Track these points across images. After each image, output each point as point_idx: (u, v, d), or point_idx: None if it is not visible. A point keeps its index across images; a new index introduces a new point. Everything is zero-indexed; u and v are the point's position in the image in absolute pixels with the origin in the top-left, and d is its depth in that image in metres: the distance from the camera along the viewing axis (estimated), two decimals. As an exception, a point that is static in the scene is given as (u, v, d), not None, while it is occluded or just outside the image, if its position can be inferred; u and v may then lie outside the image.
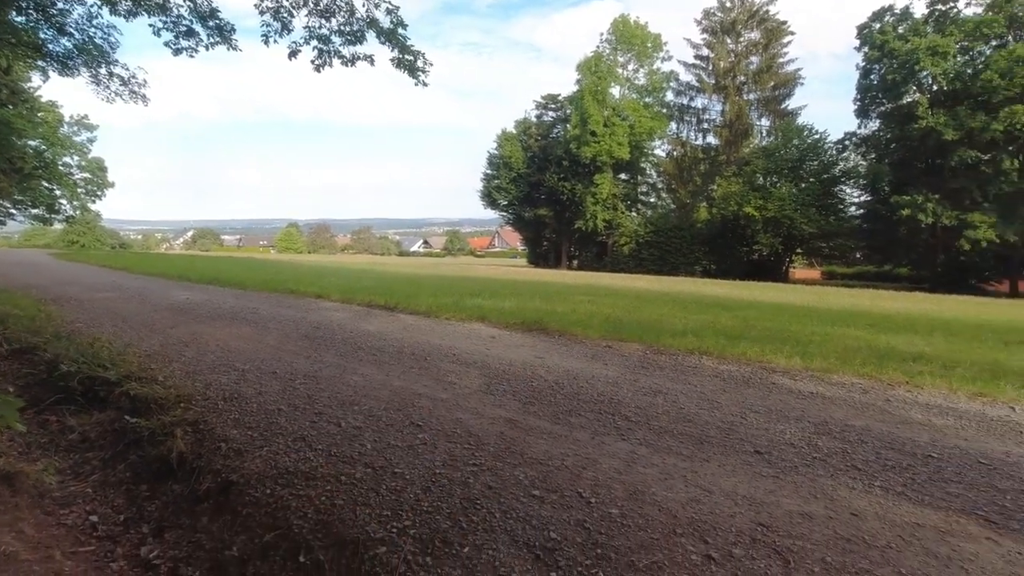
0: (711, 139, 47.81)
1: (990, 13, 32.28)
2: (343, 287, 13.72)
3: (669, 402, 4.67)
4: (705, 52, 46.35)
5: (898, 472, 3.38)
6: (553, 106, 51.51)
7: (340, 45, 9.72)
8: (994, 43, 32.67)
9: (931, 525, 2.76)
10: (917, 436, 4.00)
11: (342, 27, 9.56)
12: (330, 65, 9.86)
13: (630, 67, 47.17)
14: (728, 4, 45.23)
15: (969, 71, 32.75)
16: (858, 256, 45.11)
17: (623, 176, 48.37)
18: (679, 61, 48.29)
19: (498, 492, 3.06)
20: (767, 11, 44.36)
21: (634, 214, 48.65)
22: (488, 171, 52.24)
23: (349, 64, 9.89)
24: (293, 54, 9.22)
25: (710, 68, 46.25)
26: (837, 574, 2.34)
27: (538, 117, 52.42)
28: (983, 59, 32.58)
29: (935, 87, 33.85)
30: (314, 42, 9.56)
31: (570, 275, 32.25)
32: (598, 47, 46.79)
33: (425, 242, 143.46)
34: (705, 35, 46.27)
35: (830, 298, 19.82)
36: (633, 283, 23.60)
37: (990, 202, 31.84)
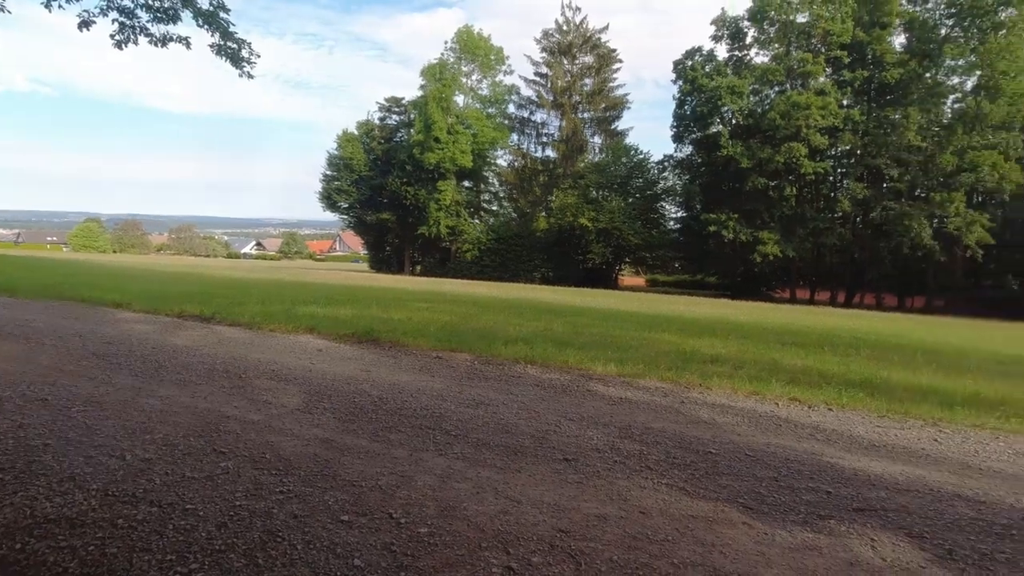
0: (550, 152, 50.49)
1: (774, 63, 38.05)
2: (151, 294, 12.23)
3: (490, 414, 4.80)
4: (544, 70, 48.90)
5: (683, 469, 3.80)
6: (397, 109, 50.90)
7: (148, 22, 8.70)
8: (776, 88, 38.56)
9: (703, 516, 3.13)
10: (703, 434, 4.55)
11: (150, 1, 8.57)
12: (134, 43, 8.79)
13: (474, 77, 48.26)
14: (565, 28, 48.16)
15: (759, 110, 38.27)
16: (676, 266, 50.20)
17: (467, 184, 49.23)
18: (520, 76, 50.50)
19: (304, 520, 2.91)
20: (599, 38, 48.01)
21: (477, 221, 49.71)
22: (328, 172, 50.12)
23: (160, 44, 8.89)
24: (85, 24, 8.07)
25: (549, 85, 48.85)
26: (621, 571, 2.56)
27: (381, 119, 51.45)
28: (769, 101, 38.30)
29: (734, 121, 39.05)
30: (114, 14, 8.45)
31: (412, 281, 32.00)
32: (443, 54, 47.25)
33: (258, 244, 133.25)
34: (544, 54, 48.85)
35: (652, 304, 21.77)
36: (474, 289, 24.03)
37: (775, 222, 37.44)
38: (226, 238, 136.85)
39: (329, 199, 49.85)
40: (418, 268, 50.48)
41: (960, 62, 35.20)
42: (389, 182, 46.70)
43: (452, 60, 47.03)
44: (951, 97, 36.54)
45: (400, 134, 50.42)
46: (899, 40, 37.09)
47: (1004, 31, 32.88)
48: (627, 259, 46.76)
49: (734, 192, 38.66)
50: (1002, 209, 33.78)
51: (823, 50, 36.59)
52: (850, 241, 37.12)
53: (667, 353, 8.08)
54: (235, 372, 5.80)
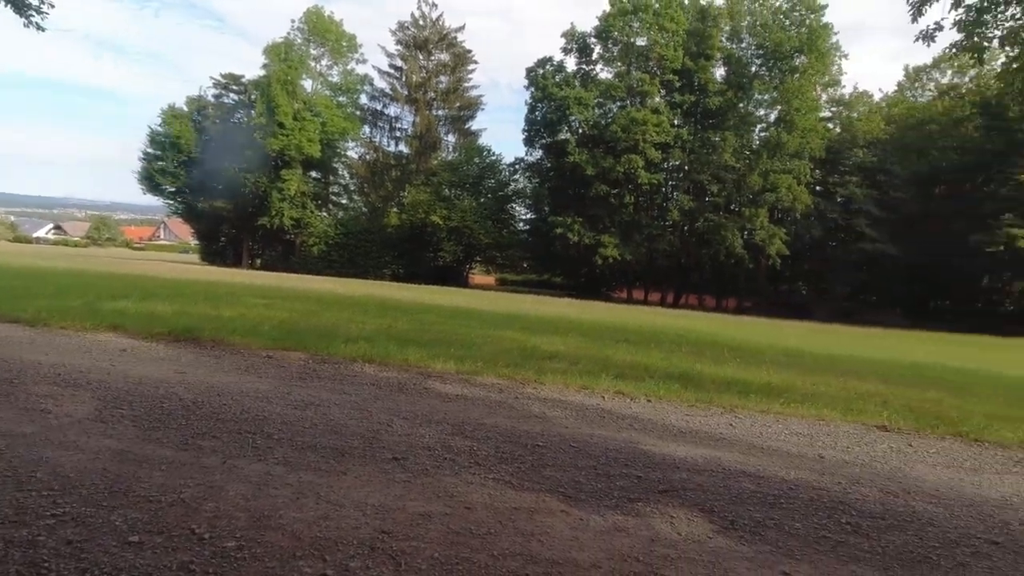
0: (403, 147, 49.72)
1: (616, 80, 41.00)
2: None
3: (319, 415, 4.55)
4: (399, 63, 48.02)
5: (510, 463, 3.87)
6: (236, 88, 46.85)
7: None
8: (619, 104, 41.59)
9: (525, 507, 3.21)
10: (532, 428, 4.69)
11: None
12: None
13: (324, 62, 45.96)
14: (421, 22, 47.70)
15: (603, 122, 41.00)
16: (525, 265, 52.00)
17: (314, 174, 46.74)
18: (374, 67, 48.95)
19: (80, 547, 2.50)
20: (455, 37, 48.24)
21: (324, 214, 47.44)
22: (151, 150, 44.64)
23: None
24: None
25: (403, 79, 48.06)
26: (442, 567, 2.54)
27: (217, 97, 47.11)
28: (612, 115, 41.19)
29: (581, 130, 41.44)
30: None
31: (251, 275, 29.62)
32: (290, 34, 44.36)
33: (57, 227, 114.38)
34: (400, 47, 47.97)
35: (500, 303, 22.26)
36: (319, 285, 22.87)
37: (615, 227, 40.33)
38: (12, 219, 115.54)
39: (151, 181, 44.42)
40: (258, 262, 46.91)
41: (766, 97, 40.75)
42: (225, 167, 42.72)
43: (300, 41, 44.33)
44: (759, 126, 42.21)
45: (239, 115, 46.43)
46: (720, 72, 41.87)
47: (798, 75, 38.58)
48: (478, 258, 47.51)
49: (579, 197, 40.97)
50: (795, 225, 39.59)
51: (659, 73, 40.13)
52: (678, 247, 41.11)
53: (509, 350, 8.28)
54: (3, 378, 4.89)
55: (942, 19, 7.02)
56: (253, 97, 43.98)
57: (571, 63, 43.48)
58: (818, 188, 40.35)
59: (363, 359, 6.75)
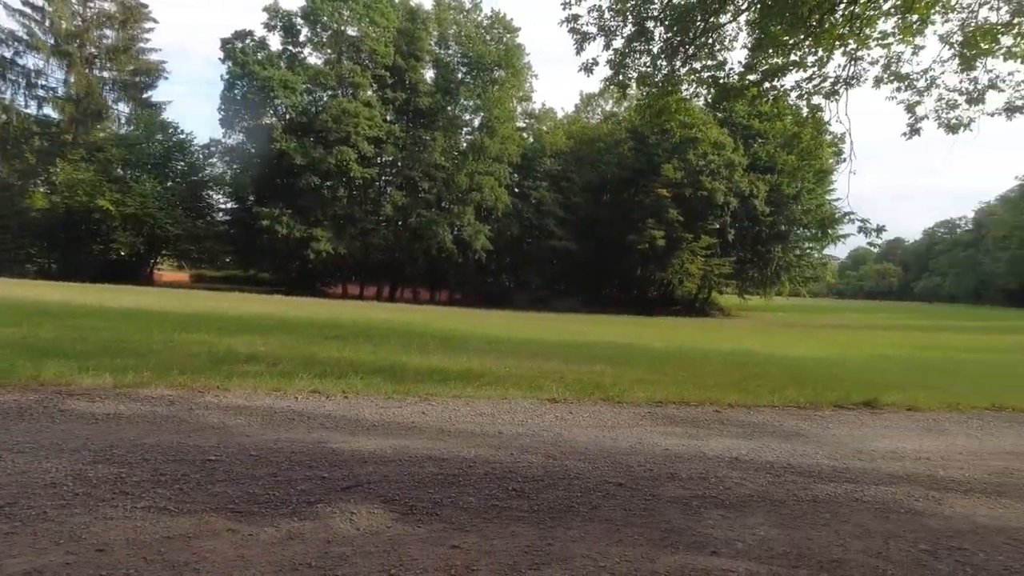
0: (50, 111, 39.50)
1: (326, 67, 39.26)
2: None
3: None
4: (41, 2, 37.72)
5: (170, 485, 3.19)
6: None
7: None
8: (329, 93, 39.94)
9: (182, 534, 2.65)
10: (206, 442, 3.97)
11: None
12: None
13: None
14: (74, -44, 38.40)
15: (313, 109, 38.87)
16: (227, 260, 46.61)
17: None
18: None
19: None
20: (125, -15, 40.13)
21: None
22: None
23: None
24: None
25: (48, 24, 37.98)
26: None
27: None
28: (322, 103, 39.34)
29: (288, 116, 38.53)
30: None
31: None
32: None
33: None
34: (41, -19, 37.72)
35: (193, 301, 19.43)
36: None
37: (328, 221, 38.67)
38: None
39: None
40: None
41: (471, 103, 43.72)
42: None
43: None
44: (465, 129, 45.07)
45: None
46: (430, 74, 43.43)
47: (498, 86, 42.33)
48: (165, 251, 40.77)
49: (288, 188, 38.25)
50: (498, 223, 43.40)
51: (371, 66, 39.69)
52: (393, 242, 41.35)
53: (195, 355, 7.06)
54: None
55: (598, 56, 8.11)
56: None
57: (275, 42, 40.16)
58: (516, 190, 44.93)
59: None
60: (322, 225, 37.91)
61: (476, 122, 44.53)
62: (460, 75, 42.99)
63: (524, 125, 48.75)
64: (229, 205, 42.83)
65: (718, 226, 41.08)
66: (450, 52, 43.50)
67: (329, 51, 40.03)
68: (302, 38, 40.22)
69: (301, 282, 40.48)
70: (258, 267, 43.74)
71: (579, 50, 8.22)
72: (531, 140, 47.76)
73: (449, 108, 42.95)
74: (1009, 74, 6.79)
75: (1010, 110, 6.79)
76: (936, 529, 3.22)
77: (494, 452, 4.23)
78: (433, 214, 40.56)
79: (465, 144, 44.02)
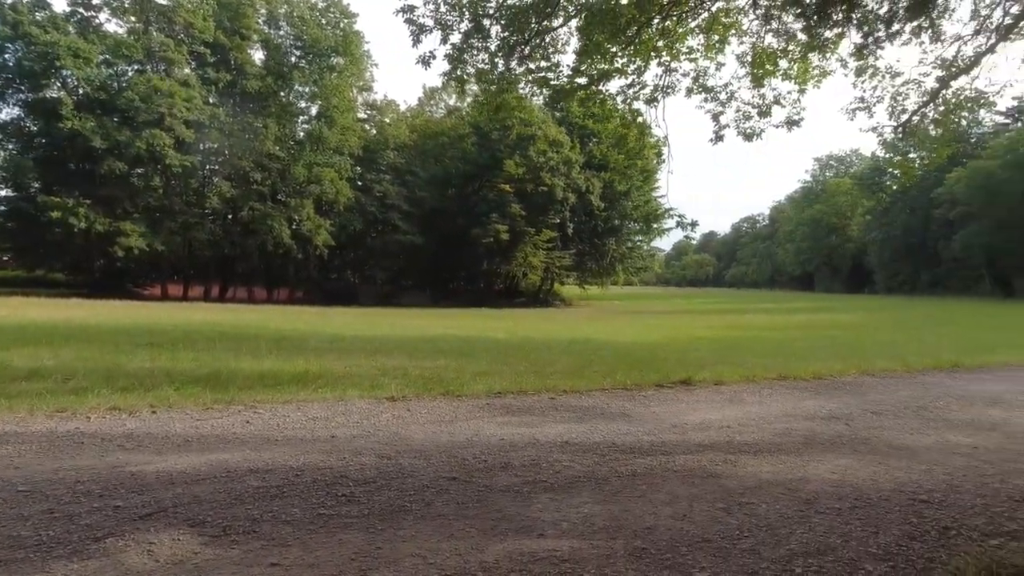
0: None
1: (130, 38, 34.53)
2: None
3: None
4: None
5: None
6: None
7: None
8: (136, 67, 35.21)
9: None
10: None
11: None
12: None
13: None
14: None
15: (115, 85, 34.00)
16: (5, 259, 39.32)
17: None
18: None
19: None
20: None
21: None
22: None
23: None
24: None
25: None
26: None
27: None
28: (127, 79, 34.57)
29: (81, 90, 33.22)
30: None
31: None
32: None
33: None
34: None
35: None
36: None
37: (140, 213, 34.20)
38: None
39: None
40: None
41: (306, 90, 41.19)
42: None
43: None
44: (301, 118, 42.40)
45: None
46: (259, 55, 40.16)
47: (336, 74, 40.34)
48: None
49: (87, 174, 33.17)
50: (339, 217, 41.49)
51: (187, 41, 35.66)
52: (221, 237, 37.69)
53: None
54: None
55: (435, 49, 8.01)
56: None
57: (62, 2, 34.39)
58: (359, 183, 43.21)
59: None
60: (132, 218, 33.41)
61: (313, 111, 42.13)
62: (294, 59, 40.33)
63: (366, 116, 47.12)
64: (5, 193, 35.76)
65: (558, 220, 43.05)
66: (281, 33, 40.58)
67: (133, 19, 35.26)
68: (97, 1, 34.91)
69: (108, 283, 35.26)
70: (48, 266, 37.26)
71: (416, 42, 8.03)
72: (373, 132, 46.30)
73: (282, 94, 40.14)
74: (788, 92, 7.90)
75: (789, 123, 7.89)
76: (731, 488, 3.62)
77: (325, 458, 4.00)
78: (268, 207, 37.68)
79: (302, 134, 41.45)
